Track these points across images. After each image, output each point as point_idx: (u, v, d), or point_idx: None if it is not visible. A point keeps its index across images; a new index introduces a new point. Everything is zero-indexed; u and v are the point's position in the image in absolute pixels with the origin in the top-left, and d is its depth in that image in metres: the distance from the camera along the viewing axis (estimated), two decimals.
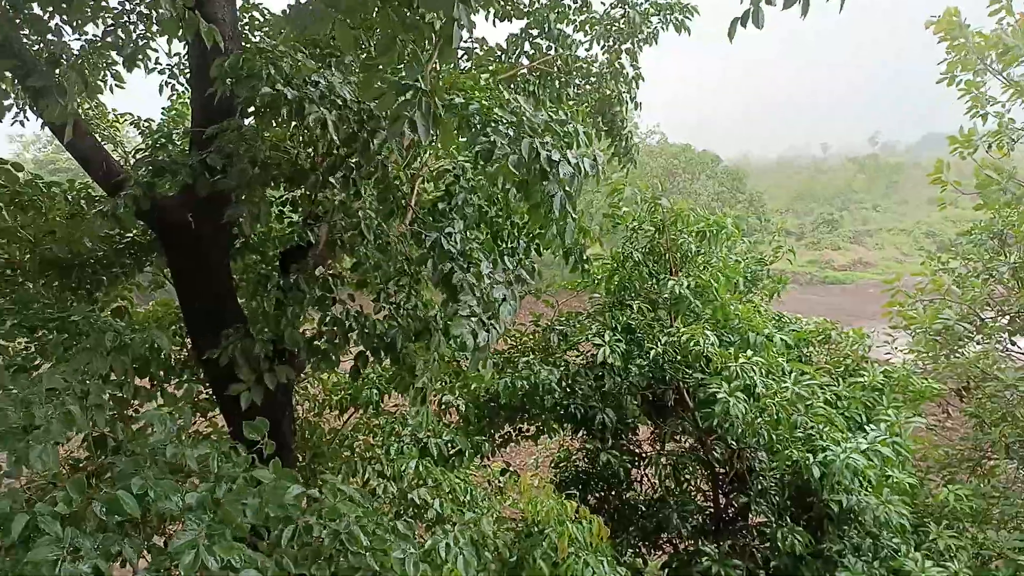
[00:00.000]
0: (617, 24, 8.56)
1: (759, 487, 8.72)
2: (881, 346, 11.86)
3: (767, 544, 8.42)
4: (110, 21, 5.38)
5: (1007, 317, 11.05)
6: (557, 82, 8.61)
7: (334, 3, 3.22)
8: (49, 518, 2.74)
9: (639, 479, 10.05)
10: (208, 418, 7.60)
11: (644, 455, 9.82)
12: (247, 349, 5.47)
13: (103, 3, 5.36)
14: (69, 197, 7.00)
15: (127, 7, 5.45)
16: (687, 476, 9.67)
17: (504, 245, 6.98)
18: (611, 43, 8.71)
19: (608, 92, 8.66)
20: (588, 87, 8.84)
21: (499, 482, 8.78)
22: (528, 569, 6.36)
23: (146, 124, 8.59)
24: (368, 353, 5.88)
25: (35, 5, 4.76)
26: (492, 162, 4.38)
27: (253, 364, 5.48)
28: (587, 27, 8.65)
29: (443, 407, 9.04)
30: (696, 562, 8.33)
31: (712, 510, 9.70)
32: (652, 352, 8.70)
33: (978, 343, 11.10)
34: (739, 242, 9.92)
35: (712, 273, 8.87)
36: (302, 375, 8.14)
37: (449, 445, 8.26)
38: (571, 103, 8.22)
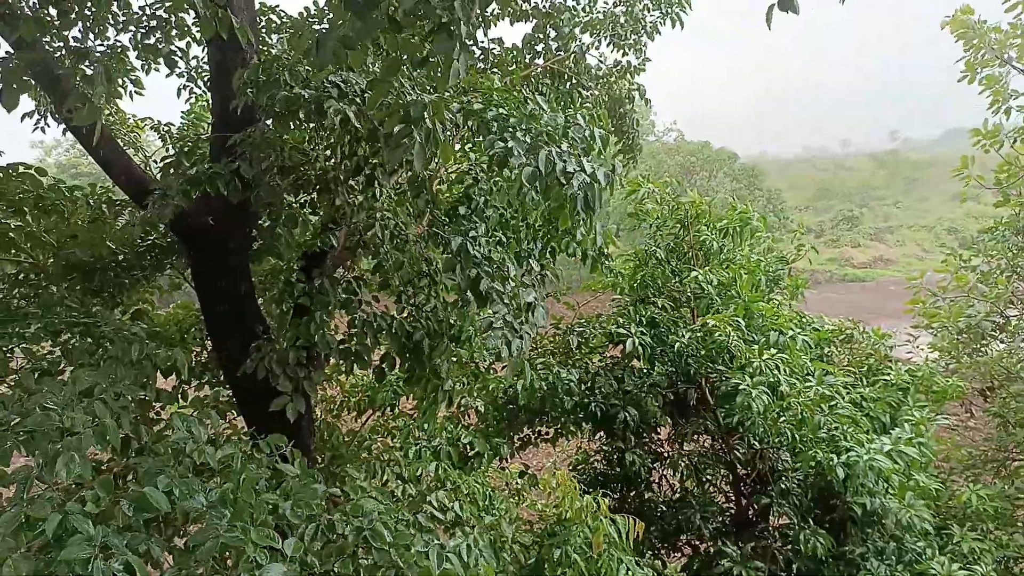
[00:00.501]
0: (620, 21, 8.65)
1: (781, 488, 8.64)
2: (902, 345, 11.72)
3: (789, 546, 8.34)
4: (131, 26, 5.43)
5: None
6: (568, 83, 8.66)
7: (352, 42, 3.35)
8: (81, 517, 2.78)
9: (658, 479, 10.00)
10: (228, 420, 7.66)
11: (665, 455, 9.77)
12: (282, 359, 5.51)
13: (125, 8, 5.43)
14: (91, 201, 7.09)
15: (147, 12, 5.50)
16: (708, 476, 9.61)
17: (521, 248, 6.97)
18: (616, 39, 8.79)
19: (617, 91, 8.71)
20: (597, 87, 8.89)
21: (517, 484, 8.77)
22: (551, 567, 6.35)
23: (166, 129, 8.67)
24: (395, 355, 5.91)
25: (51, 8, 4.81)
26: (508, 169, 4.38)
27: (290, 373, 5.52)
28: (592, 28, 8.75)
29: (462, 409, 9.05)
30: (717, 564, 8.25)
31: (733, 511, 9.63)
32: (676, 345, 8.65)
33: (1002, 341, 10.96)
34: (761, 240, 9.85)
35: (735, 270, 8.81)
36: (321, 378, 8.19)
37: (468, 447, 8.26)
38: (587, 104, 8.23)
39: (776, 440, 7.87)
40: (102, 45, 5.16)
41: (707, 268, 8.98)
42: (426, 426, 8.09)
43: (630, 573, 6.32)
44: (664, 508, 9.50)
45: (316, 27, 7.92)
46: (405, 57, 3.50)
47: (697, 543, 9.34)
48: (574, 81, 8.64)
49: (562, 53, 8.48)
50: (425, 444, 7.84)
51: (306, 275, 6.00)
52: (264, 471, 3.71)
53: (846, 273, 65.37)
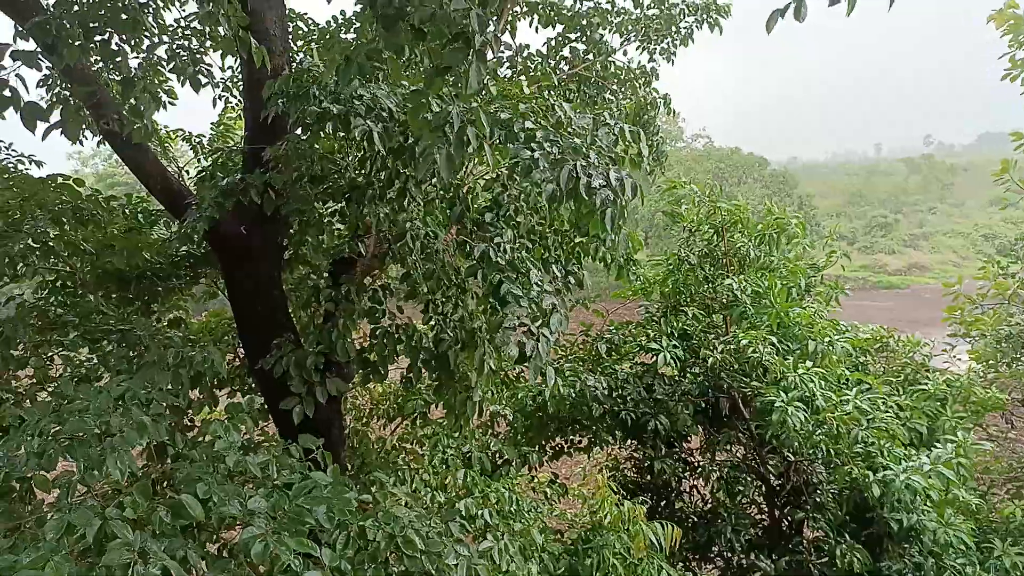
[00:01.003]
0: (653, 23, 8.53)
1: (816, 501, 8.47)
2: (939, 354, 11.46)
3: (824, 560, 8.17)
4: (165, 39, 5.54)
5: None
6: (593, 89, 8.60)
7: (377, 55, 3.42)
8: (120, 523, 2.83)
9: (690, 489, 9.87)
10: (260, 427, 7.73)
11: (696, 464, 9.64)
12: (299, 361, 5.57)
13: (160, 21, 5.54)
14: (127, 211, 7.23)
15: (182, 24, 5.60)
16: (740, 488, 9.46)
17: (548, 254, 6.95)
18: (647, 44, 8.69)
19: (643, 97, 8.61)
20: (623, 92, 8.81)
21: (546, 492, 8.72)
22: (585, 573, 6.31)
23: (197, 140, 8.81)
24: (421, 365, 5.93)
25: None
26: (531, 181, 4.37)
27: (305, 376, 5.57)
28: (623, 29, 8.62)
29: (492, 418, 9.04)
30: None
31: (766, 523, 9.46)
32: (710, 360, 8.55)
33: None
34: (796, 247, 9.70)
35: (771, 278, 8.67)
36: (349, 385, 8.24)
37: (496, 456, 8.24)
38: (612, 107, 8.19)
39: (811, 453, 7.72)
40: (137, 57, 5.26)
41: (742, 275, 8.85)
42: (455, 434, 8.09)
43: None
44: (695, 519, 9.36)
45: (344, 35, 8.01)
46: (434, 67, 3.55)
47: (729, 555, 9.19)
48: (600, 85, 8.58)
49: (591, 57, 8.42)
50: (454, 452, 7.83)
51: (334, 281, 6.05)
52: (297, 476, 3.74)
53: (879, 280, 64.37)
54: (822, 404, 7.45)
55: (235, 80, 8.55)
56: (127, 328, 5.03)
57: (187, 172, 7.69)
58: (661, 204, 10.07)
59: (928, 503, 7.07)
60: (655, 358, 8.67)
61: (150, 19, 5.37)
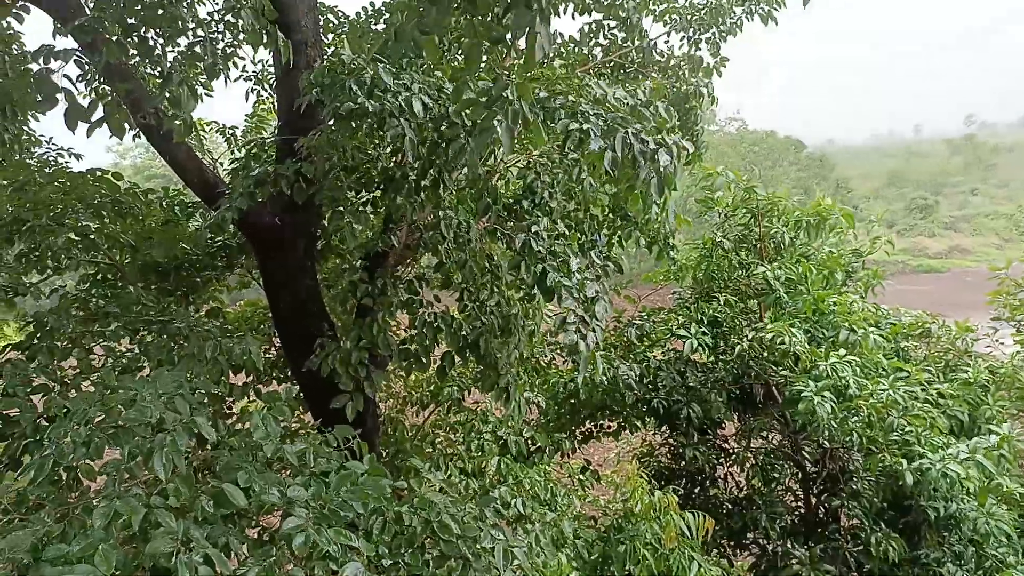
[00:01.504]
0: (699, 14, 8.31)
1: (852, 489, 8.36)
2: (981, 339, 11.17)
3: (859, 548, 8.07)
4: (199, 32, 5.60)
5: None
6: (632, 75, 8.46)
7: (425, 25, 3.38)
8: (164, 512, 2.91)
9: (724, 476, 9.81)
10: (296, 415, 7.86)
11: (731, 451, 9.57)
12: (345, 358, 5.65)
13: (193, 14, 5.59)
14: (164, 204, 7.36)
15: (215, 17, 5.65)
16: (775, 475, 9.37)
17: (585, 239, 6.92)
18: (691, 33, 8.47)
19: (685, 87, 8.42)
20: (664, 80, 8.62)
21: (579, 478, 8.74)
22: (618, 563, 6.30)
23: (231, 132, 8.91)
24: (455, 353, 5.97)
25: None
26: (584, 152, 4.34)
27: (352, 373, 5.65)
28: (667, 17, 8.42)
29: (525, 403, 9.06)
30: (785, 565, 8.05)
31: (802, 511, 9.37)
32: (737, 348, 8.46)
33: None
34: (838, 235, 9.49)
35: (806, 266, 8.50)
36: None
37: (529, 442, 8.27)
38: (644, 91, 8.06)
39: (846, 440, 7.60)
40: (173, 51, 5.32)
41: (776, 263, 8.70)
42: (491, 418, 8.12)
43: (702, 571, 6.22)
44: (730, 505, 9.31)
45: (374, 26, 8.01)
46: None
47: (764, 542, 9.13)
48: (640, 73, 8.44)
49: (628, 45, 8.27)
50: (489, 438, 7.87)
51: (369, 275, 6.10)
52: (334, 465, 3.80)
53: (919, 263, 63.01)
54: (855, 392, 7.31)
55: (266, 73, 8.62)
56: (167, 319, 5.13)
57: (221, 164, 7.79)
58: (694, 190, 9.93)
59: (967, 492, 6.92)
60: (685, 346, 8.61)
61: (185, 13, 5.43)
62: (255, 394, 7.03)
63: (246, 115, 9.19)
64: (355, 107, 4.65)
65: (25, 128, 7.10)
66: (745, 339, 8.45)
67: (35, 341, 4.90)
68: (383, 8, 7.86)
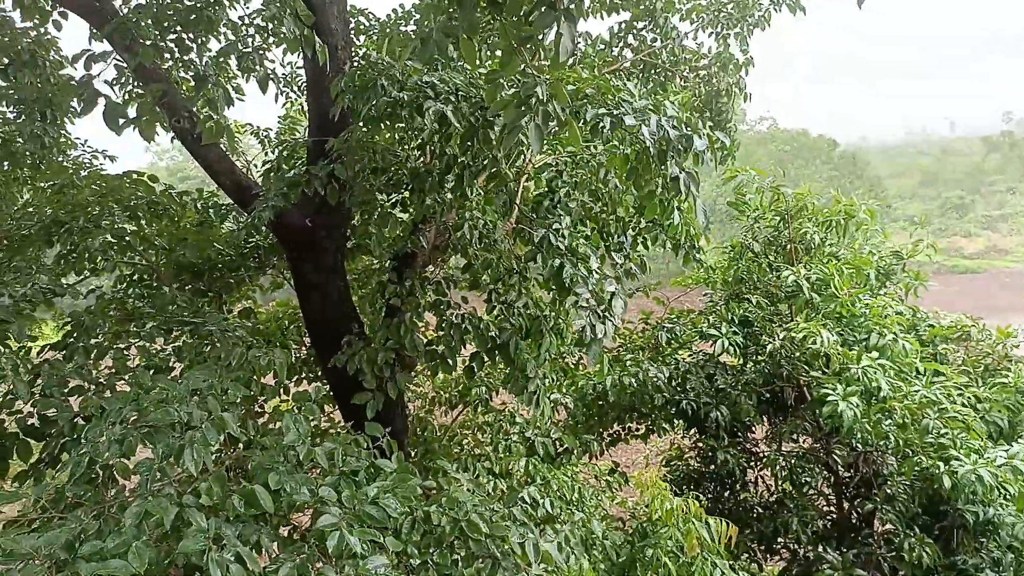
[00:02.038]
0: (726, 9, 8.24)
1: (886, 493, 8.20)
2: (1022, 343, 10.90)
3: (894, 553, 7.91)
4: (230, 35, 5.68)
5: None
6: (662, 75, 8.41)
7: (454, 31, 3.40)
8: (195, 510, 2.96)
9: (755, 480, 9.69)
10: (326, 414, 7.93)
11: (761, 455, 9.45)
12: (371, 358, 5.69)
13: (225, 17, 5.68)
14: (198, 205, 7.48)
15: (246, 20, 5.73)
16: (807, 479, 9.24)
17: (611, 240, 6.89)
18: (719, 29, 8.40)
19: (717, 85, 8.34)
20: (695, 79, 8.56)
21: (607, 480, 8.70)
22: (643, 567, 6.25)
23: (264, 134, 9.02)
24: (484, 354, 5.98)
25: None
26: (615, 138, 4.34)
27: (377, 372, 5.70)
28: (695, 14, 8.36)
29: (552, 405, 9.04)
30: (817, 569, 7.93)
31: (834, 515, 9.22)
32: (769, 347, 8.35)
33: None
34: (870, 234, 9.33)
35: (836, 266, 8.37)
36: (412, 373, 8.36)
37: (557, 443, 8.24)
38: (677, 95, 8.00)
39: (880, 443, 7.45)
40: (206, 55, 5.41)
41: (805, 264, 8.58)
42: (518, 419, 8.12)
43: None
44: (761, 510, 9.20)
45: (404, 28, 8.06)
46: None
47: (795, 547, 9.00)
48: (669, 73, 8.39)
49: (657, 44, 8.22)
50: (517, 439, 7.86)
51: (398, 276, 6.14)
52: (363, 464, 3.83)
53: (955, 264, 61.71)
54: (888, 394, 7.17)
55: (295, 76, 8.72)
56: (200, 320, 5.22)
57: (255, 165, 7.90)
58: (723, 191, 9.85)
59: (1005, 497, 6.75)
60: (715, 346, 8.52)
61: (216, 14, 5.52)
62: (284, 392, 7.15)
63: (279, 117, 9.31)
64: (390, 100, 4.68)
65: (62, 132, 7.27)
66: (776, 338, 8.34)
67: (71, 340, 5.01)
68: (412, 10, 7.91)
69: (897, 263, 9.40)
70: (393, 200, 6.64)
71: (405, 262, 6.28)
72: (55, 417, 4.21)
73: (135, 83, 5.24)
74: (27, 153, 7.39)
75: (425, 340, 6.24)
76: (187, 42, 5.06)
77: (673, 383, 8.81)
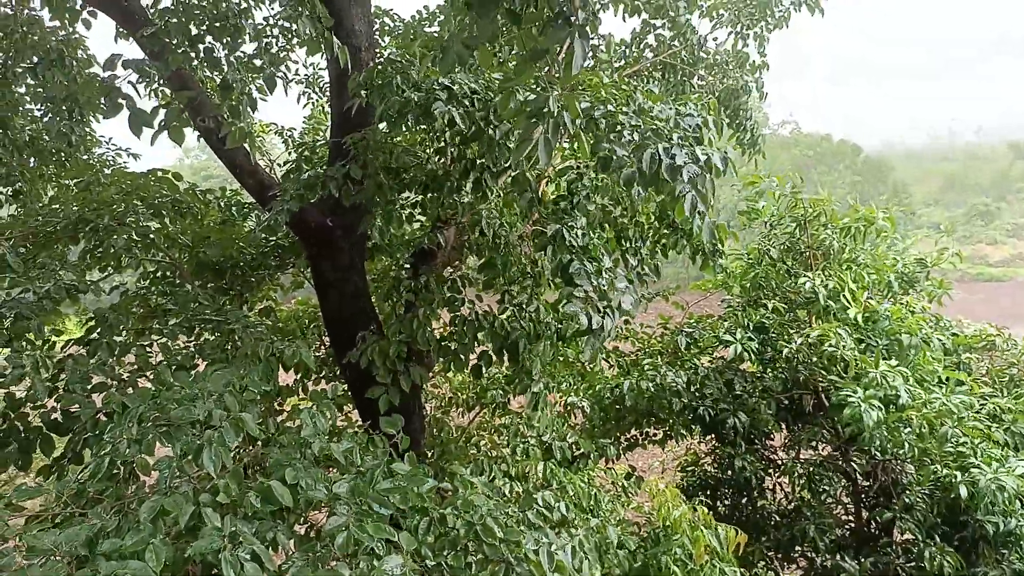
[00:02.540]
0: (746, 7, 8.21)
1: (905, 502, 8.10)
2: None
3: (913, 563, 7.81)
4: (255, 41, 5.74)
5: None
6: (681, 75, 8.40)
7: (472, 41, 3.42)
8: (210, 509, 2.99)
9: (772, 487, 9.61)
10: (344, 413, 7.98)
11: (779, 462, 9.38)
12: (383, 351, 5.71)
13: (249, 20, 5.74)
14: (221, 204, 7.56)
15: (269, 23, 5.79)
16: (825, 487, 9.14)
17: (629, 245, 6.87)
18: (738, 29, 8.38)
19: (732, 82, 8.33)
20: (712, 78, 8.55)
21: (623, 485, 8.66)
22: (655, 574, 6.22)
23: (289, 134, 9.10)
24: (491, 353, 5.99)
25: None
26: (611, 172, 4.34)
27: (389, 365, 5.72)
28: (714, 12, 8.35)
29: (568, 407, 9.02)
30: None
31: (853, 524, 9.12)
32: (785, 351, 8.28)
33: None
34: (891, 240, 9.22)
35: (856, 273, 8.29)
36: (430, 374, 8.38)
37: (573, 447, 8.22)
38: (695, 96, 7.98)
39: (899, 451, 7.36)
40: (231, 58, 5.46)
41: (822, 270, 8.50)
42: (535, 423, 8.11)
43: None
44: (778, 517, 9.12)
45: (428, 29, 8.10)
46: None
47: (813, 555, 8.91)
48: (688, 72, 8.38)
49: (676, 44, 8.21)
50: (534, 442, 7.85)
51: (414, 272, 6.16)
52: (378, 463, 3.85)
53: (980, 272, 60.71)
54: (907, 401, 7.08)
55: (317, 77, 8.79)
56: (221, 318, 5.27)
57: (279, 165, 7.97)
58: (742, 195, 9.78)
59: None
60: (733, 351, 8.47)
61: (244, 21, 5.58)
62: (303, 391, 7.19)
63: (304, 118, 9.39)
64: (402, 100, 4.71)
65: (87, 130, 7.38)
66: (793, 342, 8.27)
67: (95, 336, 5.08)
68: (437, 11, 7.94)
69: (921, 271, 9.28)
70: (412, 201, 6.68)
71: (422, 259, 6.31)
72: (78, 413, 4.27)
73: (159, 81, 5.32)
74: (53, 151, 7.51)
75: (438, 336, 6.26)
76: (215, 52, 5.13)
77: (691, 388, 8.77)
